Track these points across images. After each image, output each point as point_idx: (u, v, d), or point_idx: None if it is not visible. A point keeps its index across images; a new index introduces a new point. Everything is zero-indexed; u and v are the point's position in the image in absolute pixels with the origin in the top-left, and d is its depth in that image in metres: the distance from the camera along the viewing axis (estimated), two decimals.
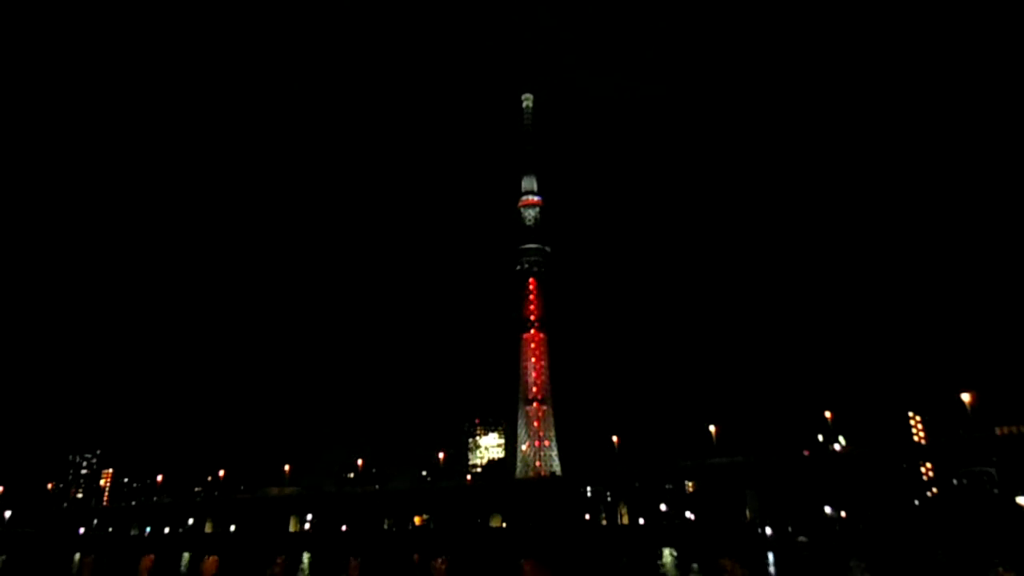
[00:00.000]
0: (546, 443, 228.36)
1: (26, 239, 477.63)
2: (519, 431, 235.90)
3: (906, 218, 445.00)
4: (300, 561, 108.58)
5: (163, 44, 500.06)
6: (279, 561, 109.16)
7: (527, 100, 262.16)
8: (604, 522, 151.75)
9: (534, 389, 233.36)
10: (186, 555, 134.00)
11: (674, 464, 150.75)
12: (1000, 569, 69.70)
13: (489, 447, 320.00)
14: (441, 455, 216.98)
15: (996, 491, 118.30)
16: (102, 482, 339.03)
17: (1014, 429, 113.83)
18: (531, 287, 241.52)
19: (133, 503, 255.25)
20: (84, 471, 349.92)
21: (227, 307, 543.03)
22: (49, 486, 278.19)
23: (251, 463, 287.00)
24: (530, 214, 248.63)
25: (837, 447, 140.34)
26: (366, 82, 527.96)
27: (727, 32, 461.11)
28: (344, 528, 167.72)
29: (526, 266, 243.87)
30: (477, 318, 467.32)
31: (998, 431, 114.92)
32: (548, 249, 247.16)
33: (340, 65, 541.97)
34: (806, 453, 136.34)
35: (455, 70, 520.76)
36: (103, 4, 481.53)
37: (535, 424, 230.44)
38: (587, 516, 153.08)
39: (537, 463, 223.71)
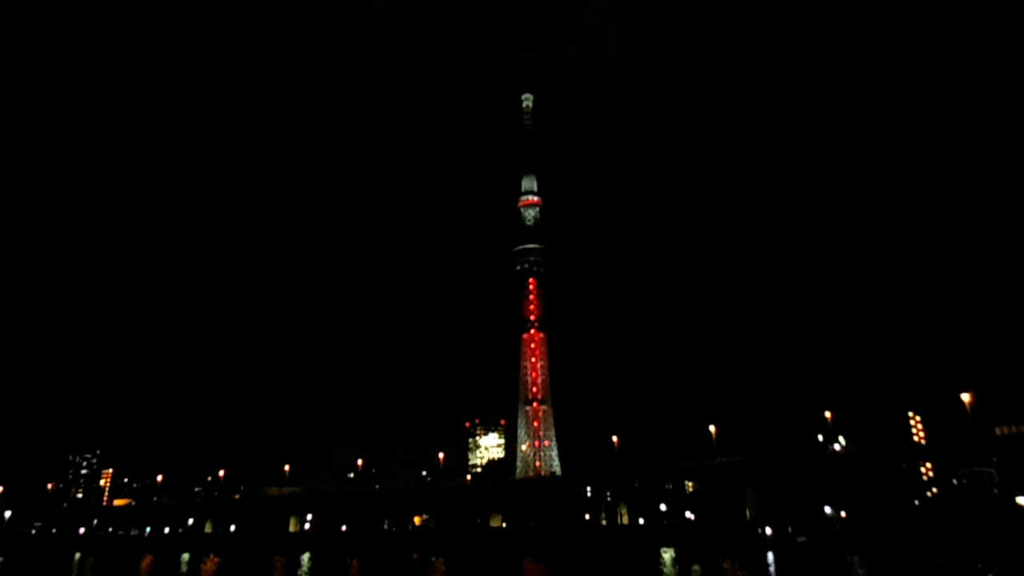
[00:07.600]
0: (546, 443, 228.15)
1: (26, 239, 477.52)
2: (519, 431, 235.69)
3: (906, 218, 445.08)
4: (300, 561, 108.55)
5: (164, 44, 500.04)
6: (279, 561, 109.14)
7: (527, 100, 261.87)
8: (604, 522, 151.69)
9: (534, 389, 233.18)
10: (186, 555, 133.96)
11: (674, 464, 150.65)
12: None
13: (489, 447, 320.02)
14: (441, 455, 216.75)
15: (996, 491, 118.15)
16: (102, 482, 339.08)
17: (1014, 429, 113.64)
18: (531, 287, 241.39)
19: (133, 503, 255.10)
20: (84, 471, 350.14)
21: (227, 308, 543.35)
22: (49, 486, 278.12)
23: (251, 463, 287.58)
24: (530, 214, 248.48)
25: (837, 447, 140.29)
26: (366, 83, 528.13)
27: (730, 31, 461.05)
28: (344, 528, 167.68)
29: (526, 266, 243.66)
30: (477, 318, 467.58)
31: (998, 431, 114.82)
32: (547, 249, 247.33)
33: (340, 65, 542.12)
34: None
35: (455, 70, 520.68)
36: (103, 4, 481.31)
37: (535, 424, 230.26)
38: (587, 516, 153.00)
39: (537, 463, 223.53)
